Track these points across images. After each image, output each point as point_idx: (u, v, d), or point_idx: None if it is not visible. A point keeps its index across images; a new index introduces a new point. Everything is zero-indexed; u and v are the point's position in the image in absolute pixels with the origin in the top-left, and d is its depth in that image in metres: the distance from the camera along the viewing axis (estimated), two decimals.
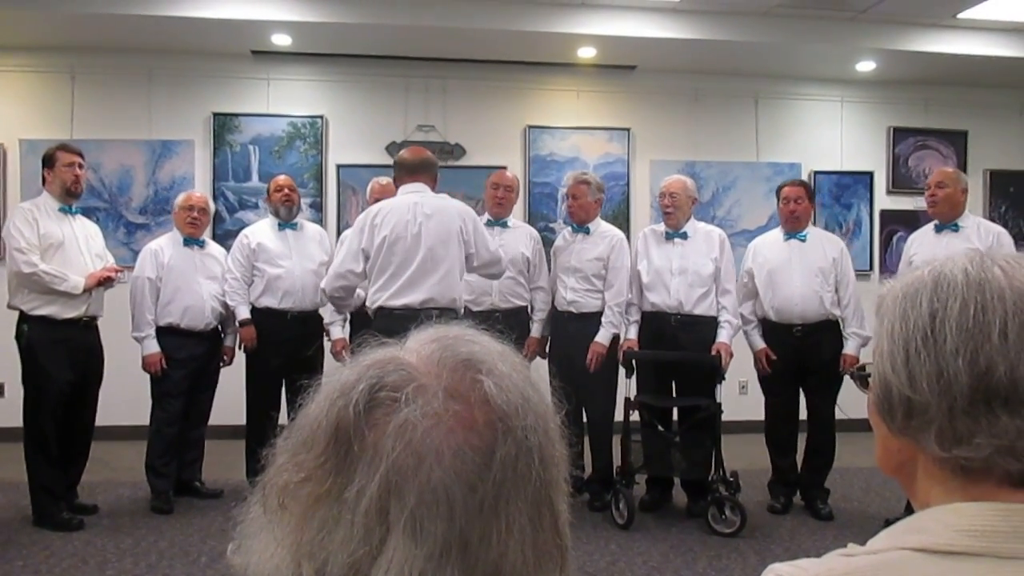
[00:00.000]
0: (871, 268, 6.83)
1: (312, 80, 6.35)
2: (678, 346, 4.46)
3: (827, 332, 4.49)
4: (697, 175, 6.16)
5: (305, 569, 0.60)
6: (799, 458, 4.62)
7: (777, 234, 4.72)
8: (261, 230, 4.85)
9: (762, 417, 4.73)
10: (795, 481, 4.61)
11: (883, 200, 6.92)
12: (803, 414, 4.64)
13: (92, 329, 4.30)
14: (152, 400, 4.54)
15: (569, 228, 4.86)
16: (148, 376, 4.50)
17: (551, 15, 5.65)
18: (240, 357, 4.78)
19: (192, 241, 4.66)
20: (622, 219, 6.32)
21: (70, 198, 4.28)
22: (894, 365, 0.75)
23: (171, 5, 5.32)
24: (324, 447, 0.62)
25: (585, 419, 4.72)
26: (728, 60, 6.27)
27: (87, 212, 4.75)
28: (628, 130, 6.61)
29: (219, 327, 4.72)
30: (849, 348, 4.45)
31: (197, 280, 4.58)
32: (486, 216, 4.87)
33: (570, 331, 4.61)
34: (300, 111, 6.33)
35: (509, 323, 4.70)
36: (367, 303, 3.80)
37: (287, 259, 4.74)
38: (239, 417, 4.84)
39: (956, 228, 4.33)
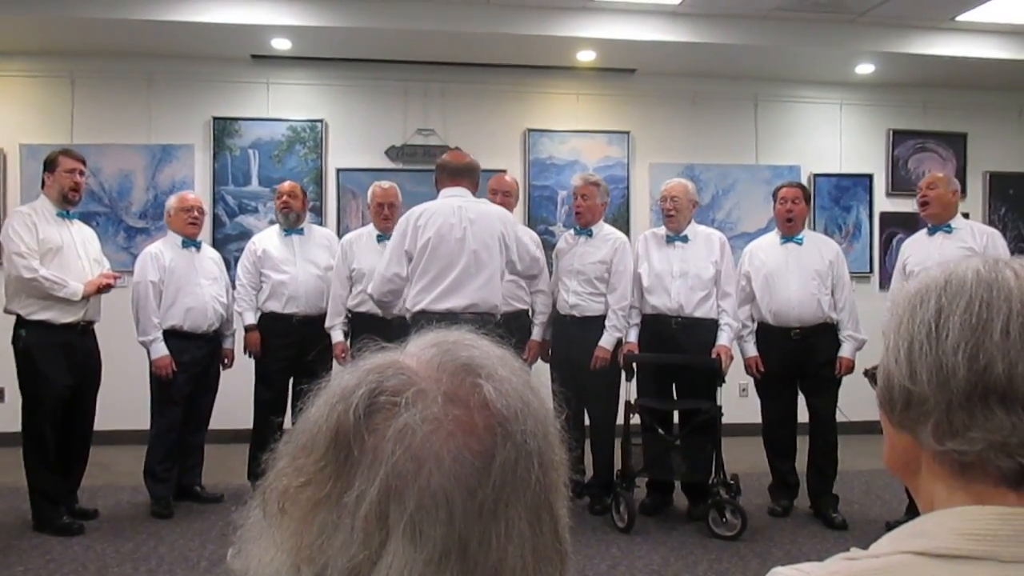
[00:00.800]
0: (871, 271, 6.83)
1: (312, 84, 6.35)
2: (679, 349, 4.46)
3: (824, 335, 4.49)
4: (696, 178, 6.16)
5: (304, 573, 0.60)
6: (801, 462, 4.62)
7: (773, 237, 4.72)
8: (267, 237, 4.93)
9: (761, 420, 4.73)
10: (795, 484, 4.61)
11: (882, 202, 6.93)
12: (802, 417, 4.64)
13: (89, 334, 4.30)
14: (153, 405, 4.53)
15: (571, 231, 4.86)
16: (148, 380, 4.50)
17: (550, 19, 5.65)
18: (241, 361, 4.79)
19: (190, 243, 4.66)
20: (622, 222, 6.32)
21: (67, 204, 4.28)
22: (897, 358, 0.76)
23: (171, 9, 5.33)
24: (324, 451, 0.62)
25: (587, 422, 4.73)
26: (727, 63, 6.28)
27: (87, 217, 4.75)
28: (628, 133, 6.62)
29: (219, 330, 4.72)
30: (845, 351, 4.45)
31: (198, 282, 4.58)
32: None
33: (572, 335, 4.61)
34: (300, 115, 6.34)
35: (510, 327, 4.70)
36: (406, 305, 3.78)
37: (291, 265, 4.79)
38: (239, 421, 4.84)
39: (949, 229, 4.34)
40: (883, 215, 6.91)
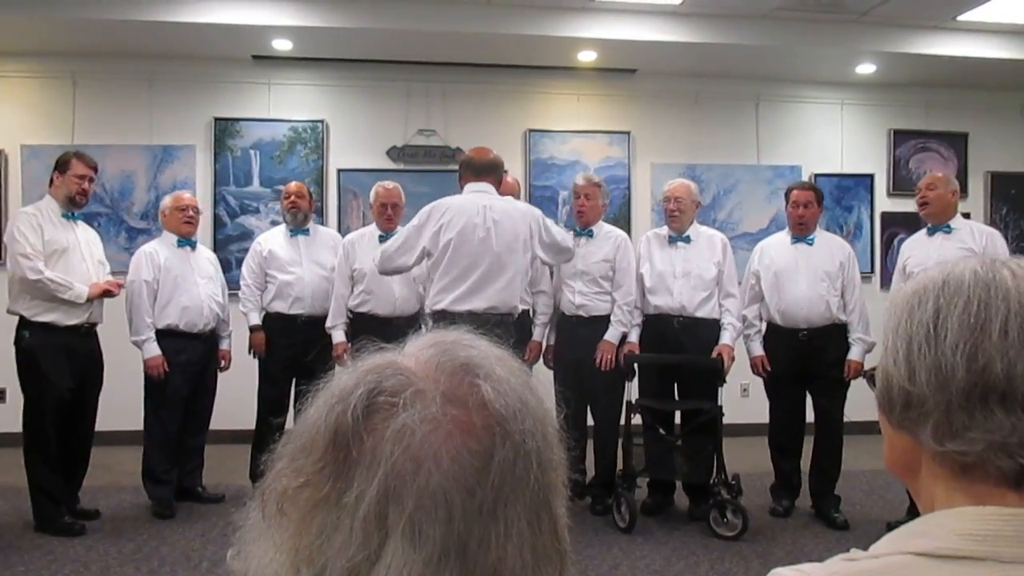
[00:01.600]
0: (872, 271, 6.83)
1: (313, 84, 6.36)
2: (681, 349, 4.46)
3: (833, 336, 4.46)
4: (698, 178, 6.16)
5: (304, 574, 0.60)
6: (803, 462, 4.61)
7: (784, 236, 4.69)
8: (273, 237, 4.93)
9: (764, 420, 4.73)
10: (798, 484, 4.61)
11: (884, 202, 6.93)
12: (809, 417, 4.63)
13: (92, 336, 4.30)
14: (147, 407, 4.51)
15: (572, 232, 4.85)
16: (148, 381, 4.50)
17: (551, 19, 5.65)
18: (242, 361, 4.79)
19: (185, 242, 4.64)
20: (623, 222, 6.32)
21: (73, 207, 4.28)
22: (896, 359, 0.76)
23: (172, 10, 5.33)
24: (323, 452, 0.62)
25: (590, 422, 4.74)
26: (728, 63, 6.28)
27: (88, 217, 4.75)
28: (629, 133, 6.62)
29: (215, 330, 4.69)
30: (854, 354, 4.42)
31: (194, 281, 4.56)
32: None
33: (580, 335, 4.60)
34: (301, 115, 6.34)
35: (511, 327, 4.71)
36: (426, 303, 3.78)
37: (297, 265, 4.80)
38: (239, 422, 4.84)
39: (948, 230, 4.33)
40: (884, 215, 6.90)
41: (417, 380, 0.63)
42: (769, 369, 4.53)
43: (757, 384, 4.77)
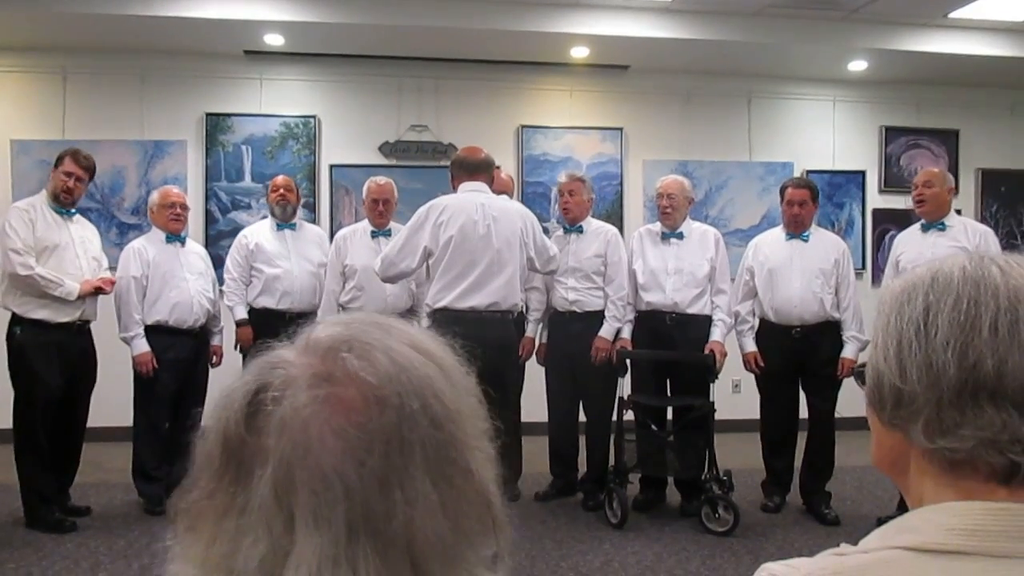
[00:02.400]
0: (863, 267, 6.84)
1: (305, 80, 6.34)
2: (673, 345, 4.47)
3: (826, 334, 4.46)
4: (690, 174, 6.15)
5: None
6: (796, 459, 4.63)
7: (779, 232, 4.68)
8: (260, 230, 4.86)
9: (755, 416, 4.74)
10: (789, 481, 4.62)
11: (875, 199, 6.95)
12: (801, 414, 4.65)
13: (85, 333, 4.28)
14: (136, 404, 4.48)
15: (561, 230, 4.86)
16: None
17: (544, 15, 5.65)
18: (233, 356, 4.77)
19: (174, 238, 4.59)
20: (615, 219, 6.32)
21: (58, 203, 4.25)
22: (886, 356, 0.76)
23: (163, 5, 5.31)
24: (219, 464, 0.63)
25: (583, 418, 4.75)
26: (721, 60, 6.28)
27: (79, 213, 4.70)
28: (621, 130, 6.62)
29: (205, 326, 4.64)
30: (848, 352, 4.42)
31: (184, 276, 4.51)
32: None
33: (573, 331, 4.60)
34: (293, 111, 6.32)
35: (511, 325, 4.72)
36: (427, 301, 3.76)
37: (285, 259, 4.74)
38: None
39: (943, 227, 4.32)
40: (876, 212, 6.92)
41: (292, 368, 0.64)
42: (762, 365, 4.53)
43: (749, 380, 4.78)
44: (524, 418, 4.92)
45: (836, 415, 4.52)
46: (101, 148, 5.98)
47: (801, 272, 4.47)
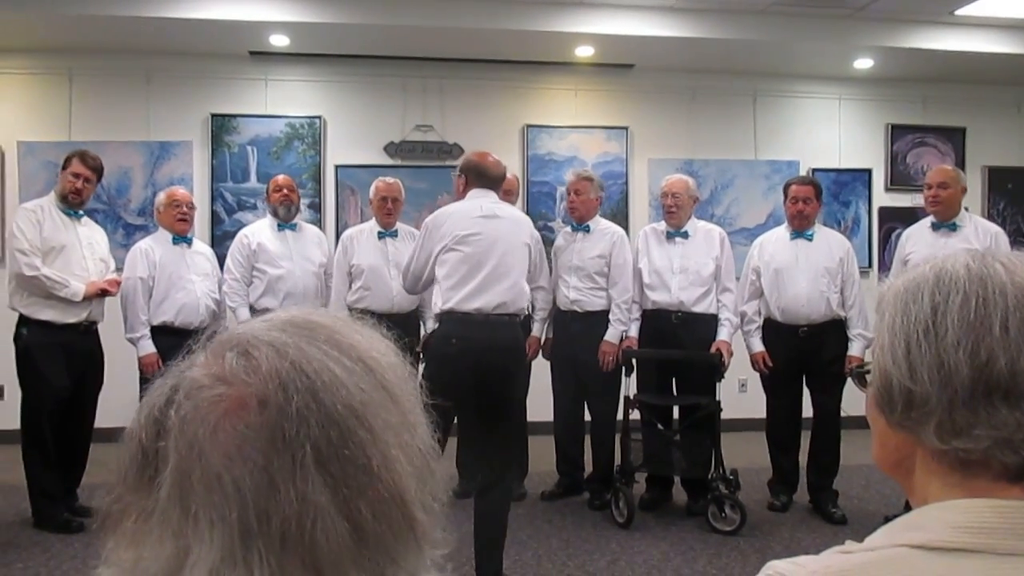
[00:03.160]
0: (869, 265, 6.82)
1: (310, 81, 6.35)
2: (679, 344, 4.46)
3: (832, 332, 4.46)
4: (695, 173, 6.15)
5: None
6: (802, 457, 4.62)
7: (783, 232, 4.67)
8: (261, 230, 4.81)
9: (762, 415, 4.73)
10: (795, 480, 4.62)
11: (881, 197, 6.92)
12: (806, 412, 4.64)
13: (92, 334, 4.29)
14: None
15: (569, 227, 4.86)
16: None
17: (549, 14, 5.64)
18: None
19: (180, 239, 4.58)
20: (621, 218, 6.31)
21: (67, 204, 4.27)
22: (895, 357, 0.75)
23: (169, 6, 5.32)
24: (134, 476, 0.63)
25: (588, 417, 4.75)
26: (726, 58, 6.27)
27: (87, 214, 4.71)
28: (626, 129, 6.61)
29: (211, 327, 4.64)
30: (854, 350, 4.41)
31: (190, 278, 4.51)
32: None
33: (574, 330, 4.61)
34: (298, 112, 6.33)
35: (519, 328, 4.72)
36: (435, 303, 3.75)
37: (288, 260, 4.71)
38: None
39: (954, 227, 4.30)
40: (882, 210, 6.90)
41: (195, 370, 0.64)
42: (770, 365, 4.52)
43: (755, 379, 4.77)
44: (530, 417, 4.92)
45: (844, 414, 4.52)
46: (107, 149, 5.99)
47: (807, 271, 4.46)
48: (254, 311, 4.65)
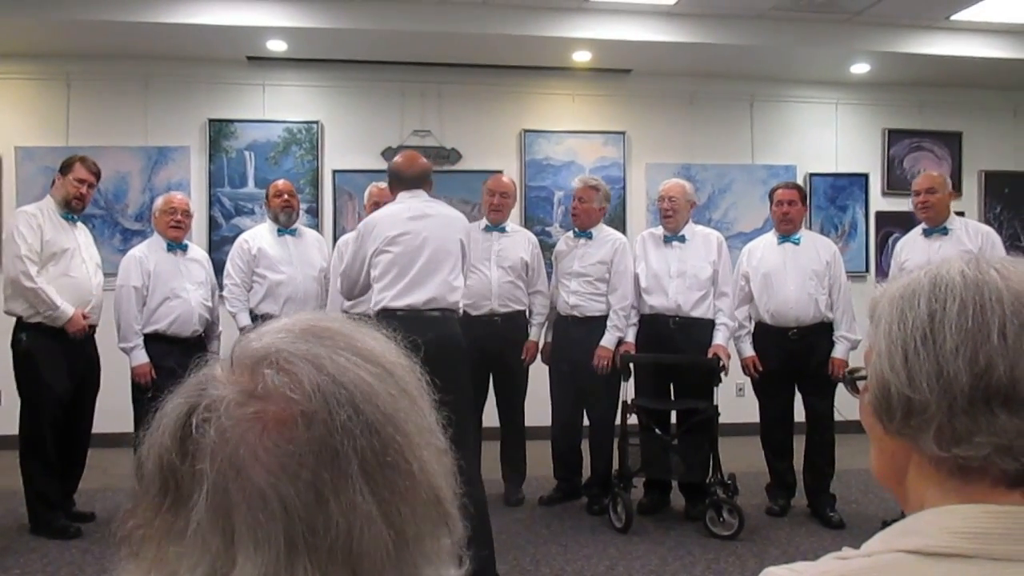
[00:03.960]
0: (867, 270, 6.84)
1: (308, 86, 6.35)
2: (676, 349, 4.47)
3: (822, 335, 4.50)
4: (693, 178, 6.16)
5: None
6: (798, 461, 4.63)
7: (770, 237, 4.73)
8: (261, 235, 4.80)
9: (759, 419, 4.74)
10: (793, 484, 4.62)
11: (878, 202, 6.94)
12: (800, 416, 4.65)
13: (89, 338, 4.28)
14: (135, 413, 4.39)
15: (571, 233, 4.87)
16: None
17: (546, 19, 5.65)
18: None
19: (175, 246, 4.53)
20: (618, 223, 6.32)
21: (69, 210, 4.26)
22: (893, 365, 0.75)
23: (167, 12, 5.32)
24: (157, 489, 0.63)
25: (586, 422, 4.75)
26: (723, 63, 6.28)
27: (84, 219, 4.69)
28: (624, 133, 6.63)
29: (203, 333, 4.59)
30: (837, 352, 4.46)
31: (184, 287, 4.45)
32: (484, 221, 4.88)
33: (573, 335, 4.62)
34: (296, 116, 6.33)
35: (508, 327, 4.72)
36: (372, 304, 3.76)
37: (288, 265, 4.70)
38: None
39: (945, 231, 4.35)
40: (879, 214, 6.91)
41: (221, 387, 0.63)
42: (760, 369, 4.54)
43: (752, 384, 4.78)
44: (528, 422, 4.92)
45: (841, 418, 4.53)
46: (105, 154, 5.99)
47: (796, 274, 4.51)
48: (254, 316, 4.64)
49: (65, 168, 4.26)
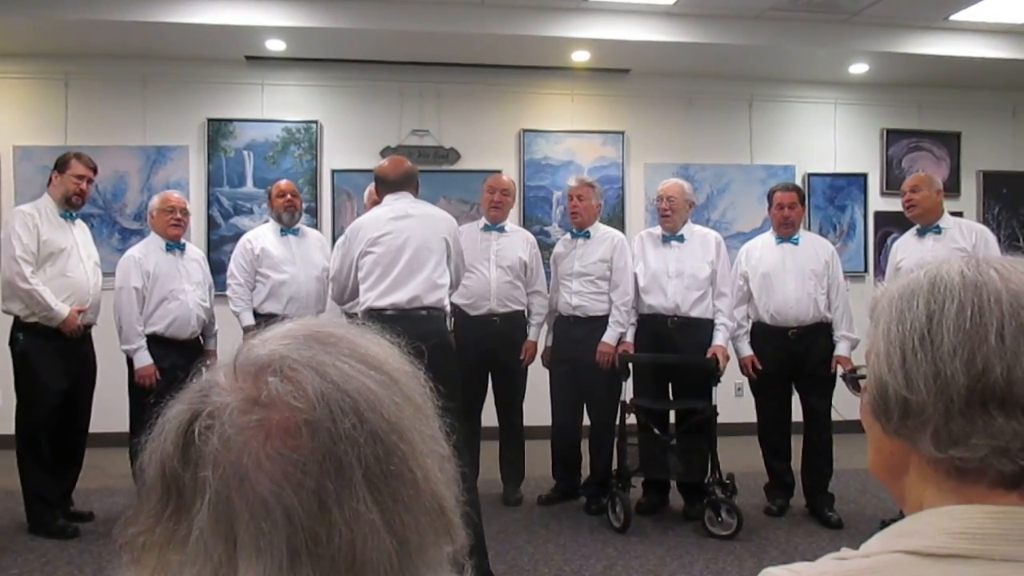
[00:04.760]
0: (865, 270, 6.84)
1: (306, 85, 6.35)
2: (675, 349, 4.47)
3: (820, 334, 4.51)
4: (691, 178, 6.16)
5: None
6: (796, 461, 4.63)
7: (769, 237, 4.73)
8: (264, 235, 4.82)
9: (756, 420, 4.74)
10: (791, 483, 4.62)
11: (877, 202, 6.94)
12: (797, 416, 4.65)
13: (86, 338, 4.28)
14: (132, 413, 4.37)
15: (568, 234, 4.87)
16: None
17: (545, 19, 5.65)
18: None
19: (174, 245, 4.50)
20: (617, 222, 6.31)
21: (69, 207, 4.25)
22: (891, 366, 0.75)
23: (165, 11, 5.32)
24: (159, 496, 0.62)
25: (586, 422, 4.75)
26: (722, 63, 6.29)
27: (82, 218, 4.70)
28: (622, 133, 6.63)
29: (201, 334, 4.58)
30: (841, 350, 4.47)
31: (183, 288, 4.42)
32: (483, 220, 4.88)
33: (576, 335, 4.62)
34: (294, 116, 6.33)
35: (507, 327, 4.72)
36: (359, 305, 3.78)
37: (291, 264, 4.72)
38: None
39: (939, 230, 4.36)
40: (877, 214, 6.92)
41: (224, 394, 0.63)
42: (759, 369, 4.54)
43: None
44: (526, 422, 4.92)
45: (840, 418, 4.53)
46: (103, 154, 5.98)
47: (795, 274, 4.52)
48: (257, 316, 4.66)
49: (61, 165, 4.23)
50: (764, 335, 4.57)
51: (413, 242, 3.62)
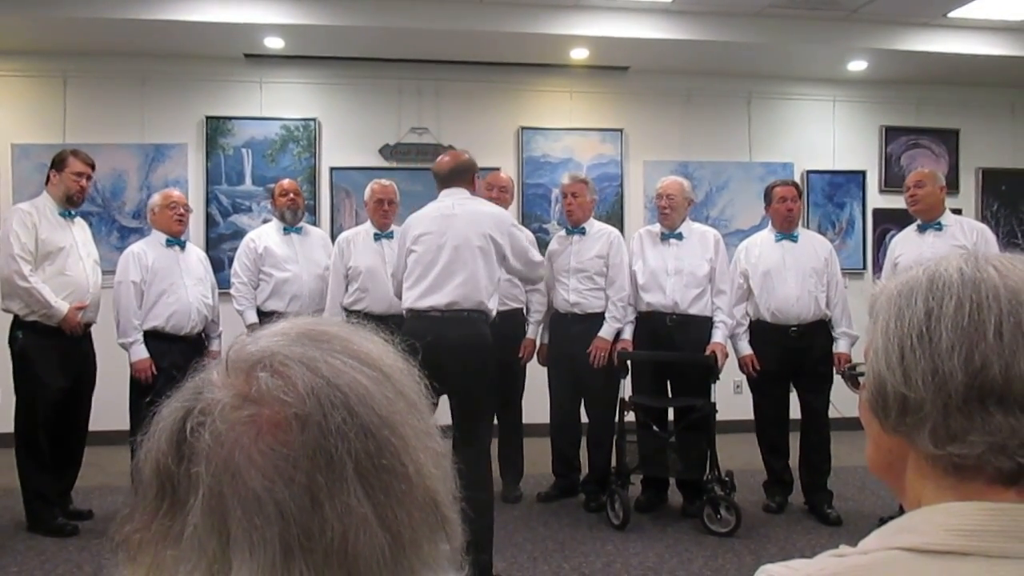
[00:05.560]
0: (864, 267, 6.85)
1: (305, 83, 6.34)
2: (674, 346, 4.47)
3: (820, 332, 4.52)
4: (690, 175, 6.16)
5: None
6: (795, 458, 4.63)
7: (767, 235, 4.72)
8: (267, 234, 4.85)
9: (754, 417, 4.74)
10: (790, 481, 4.63)
11: (876, 199, 6.94)
12: (795, 413, 4.66)
13: (86, 336, 4.27)
14: (132, 411, 4.36)
15: (563, 232, 4.86)
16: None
17: (543, 16, 5.65)
18: None
19: (175, 241, 4.50)
20: (616, 220, 6.32)
21: (70, 205, 4.25)
22: (889, 362, 0.75)
23: (164, 9, 5.31)
24: (154, 493, 0.63)
25: (584, 419, 4.76)
26: (720, 60, 6.28)
27: (81, 216, 4.70)
28: (621, 131, 6.62)
29: (203, 332, 4.57)
30: (841, 347, 4.48)
31: (183, 283, 4.43)
32: None
33: (574, 332, 4.61)
34: (293, 114, 6.33)
35: (506, 325, 4.71)
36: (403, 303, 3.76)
37: (294, 263, 4.75)
38: None
39: (940, 227, 4.35)
40: (876, 211, 6.92)
41: (216, 391, 0.63)
42: (759, 367, 4.54)
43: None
44: (525, 419, 4.93)
45: (838, 415, 4.54)
46: (102, 152, 5.98)
47: (795, 272, 4.52)
48: (261, 314, 4.69)
49: (59, 164, 4.22)
50: (764, 333, 4.57)
51: (451, 243, 3.57)
